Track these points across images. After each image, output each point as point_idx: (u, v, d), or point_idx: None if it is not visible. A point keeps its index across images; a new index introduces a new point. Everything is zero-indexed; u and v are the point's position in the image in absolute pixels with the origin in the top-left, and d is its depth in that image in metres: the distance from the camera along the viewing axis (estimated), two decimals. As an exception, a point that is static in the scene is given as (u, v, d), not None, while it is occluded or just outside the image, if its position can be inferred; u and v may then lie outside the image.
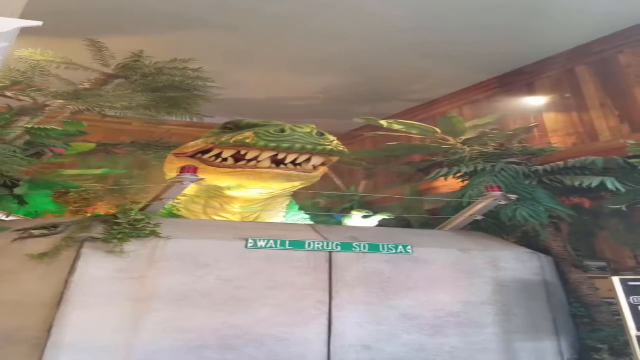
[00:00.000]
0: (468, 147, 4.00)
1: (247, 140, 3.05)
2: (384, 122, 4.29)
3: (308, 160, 3.21)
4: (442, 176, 3.70)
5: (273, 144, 3.02)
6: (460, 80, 5.61)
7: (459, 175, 3.73)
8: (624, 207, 3.05)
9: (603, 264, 3.46)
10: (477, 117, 4.87)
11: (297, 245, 2.64)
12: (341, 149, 3.27)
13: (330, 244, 2.69)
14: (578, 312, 2.98)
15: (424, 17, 4.34)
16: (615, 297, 2.45)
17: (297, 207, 3.98)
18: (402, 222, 4.09)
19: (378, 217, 4.02)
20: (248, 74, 5.48)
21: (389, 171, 5.41)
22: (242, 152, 3.14)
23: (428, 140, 4.41)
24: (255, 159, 3.12)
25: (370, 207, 4.29)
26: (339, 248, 2.69)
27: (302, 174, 3.23)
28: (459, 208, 3.45)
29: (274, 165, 3.15)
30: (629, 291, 2.45)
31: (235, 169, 3.16)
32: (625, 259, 3.70)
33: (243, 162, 3.16)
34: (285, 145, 3.04)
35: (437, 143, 4.26)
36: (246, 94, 5.90)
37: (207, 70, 3.69)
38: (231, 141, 3.11)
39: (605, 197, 3.38)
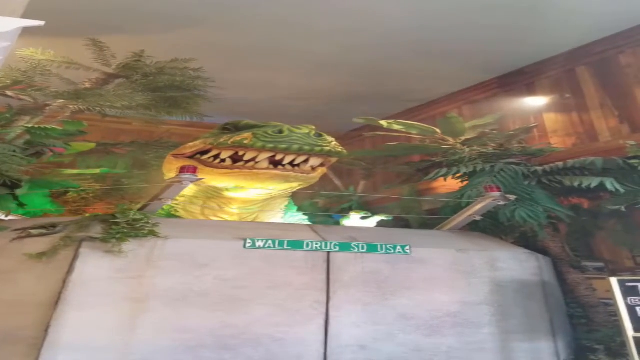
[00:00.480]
0: (467, 147, 4.01)
1: (245, 141, 3.06)
2: (383, 122, 4.30)
3: (306, 161, 3.22)
4: (441, 176, 3.70)
5: (270, 145, 3.03)
6: (460, 80, 5.61)
7: (458, 175, 3.73)
8: (622, 208, 3.06)
9: (601, 264, 3.46)
10: (477, 117, 4.86)
11: (296, 245, 2.64)
12: (339, 149, 3.27)
13: (329, 244, 2.69)
14: (575, 313, 2.99)
15: (424, 17, 4.33)
16: (612, 297, 2.45)
17: (295, 208, 3.98)
18: (401, 222, 4.09)
19: (376, 218, 4.02)
20: (248, 74, 5.47)
21: (388, 171, 5.41)
22: (240, 153, 3.16)
23: (427, 141, 4.41)
24: (253, 159, 3.14)
25: (369, 207, 4.30)
26: (337, 248, 2.70)
27: (300, 175, 3.23)
28: (457, 208, 3.45)
29: (271, 166, 3.16)
30: (627, 292, 2.45)
31: (232, 170, 3.18)
32: (623, 259, 3.70)
33: (241, 163, 3.17)
34: (283, 146, 3.05)
35: (436, 143, 4.26)
36: (246, 93, 5.90)
37: (207, 70, 3.71)
38: (229, 142, 3.12)
39: (604, 197, 3.39)
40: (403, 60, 5.13)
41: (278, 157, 3.14)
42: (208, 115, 3.93)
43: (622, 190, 3.09)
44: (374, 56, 5.05)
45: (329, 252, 2.66)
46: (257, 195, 3.48)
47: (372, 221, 4.00)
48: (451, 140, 4.18)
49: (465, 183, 3.65)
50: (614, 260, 3.68)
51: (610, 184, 3.10)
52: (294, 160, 3.17)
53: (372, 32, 4.61)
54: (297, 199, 4.09)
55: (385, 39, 4.71)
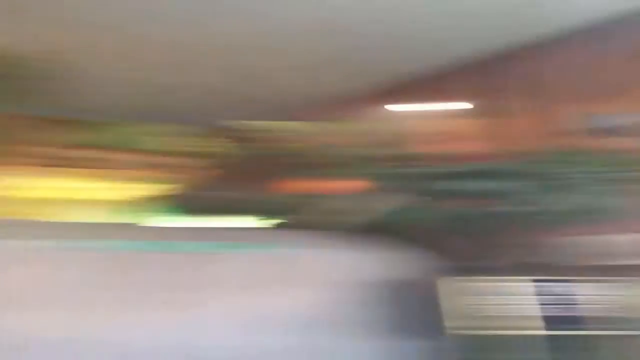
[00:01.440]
0: (361, 150, 4.03)
1: None
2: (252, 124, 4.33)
3: None
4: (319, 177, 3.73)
5: None
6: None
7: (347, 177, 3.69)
8: (515, 210, 3.09)
9: (486, 265, 3.29)
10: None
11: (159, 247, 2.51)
12: None
13: (195, 245, 2.63)
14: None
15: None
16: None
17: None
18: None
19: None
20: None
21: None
22: None
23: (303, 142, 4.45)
24: None
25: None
26: (202, 249, 2.59)
27: None
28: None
29: None
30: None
31: None
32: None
33: None
34: None
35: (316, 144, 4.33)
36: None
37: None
38: None
39: (498, 200, 3.29)
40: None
41: None
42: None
43: (514, 194, 3.10)
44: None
45: (192, 253, 2.53)
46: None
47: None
48: (336, 142, 4.21)
49: (360, 186, 3.57)
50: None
51: (503, 186, 3.14)
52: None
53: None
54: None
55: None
